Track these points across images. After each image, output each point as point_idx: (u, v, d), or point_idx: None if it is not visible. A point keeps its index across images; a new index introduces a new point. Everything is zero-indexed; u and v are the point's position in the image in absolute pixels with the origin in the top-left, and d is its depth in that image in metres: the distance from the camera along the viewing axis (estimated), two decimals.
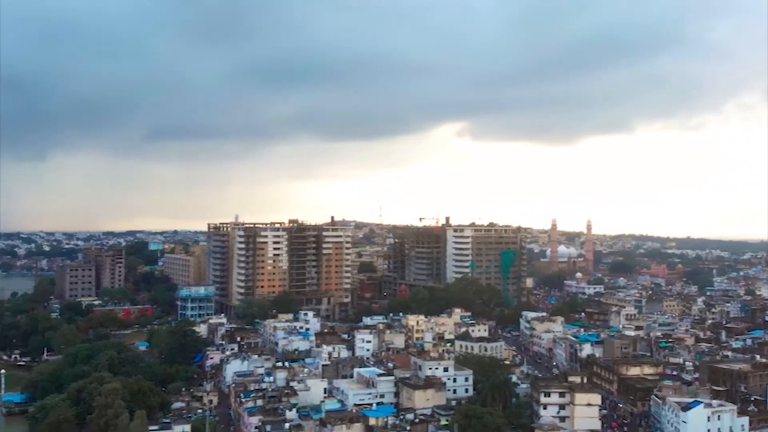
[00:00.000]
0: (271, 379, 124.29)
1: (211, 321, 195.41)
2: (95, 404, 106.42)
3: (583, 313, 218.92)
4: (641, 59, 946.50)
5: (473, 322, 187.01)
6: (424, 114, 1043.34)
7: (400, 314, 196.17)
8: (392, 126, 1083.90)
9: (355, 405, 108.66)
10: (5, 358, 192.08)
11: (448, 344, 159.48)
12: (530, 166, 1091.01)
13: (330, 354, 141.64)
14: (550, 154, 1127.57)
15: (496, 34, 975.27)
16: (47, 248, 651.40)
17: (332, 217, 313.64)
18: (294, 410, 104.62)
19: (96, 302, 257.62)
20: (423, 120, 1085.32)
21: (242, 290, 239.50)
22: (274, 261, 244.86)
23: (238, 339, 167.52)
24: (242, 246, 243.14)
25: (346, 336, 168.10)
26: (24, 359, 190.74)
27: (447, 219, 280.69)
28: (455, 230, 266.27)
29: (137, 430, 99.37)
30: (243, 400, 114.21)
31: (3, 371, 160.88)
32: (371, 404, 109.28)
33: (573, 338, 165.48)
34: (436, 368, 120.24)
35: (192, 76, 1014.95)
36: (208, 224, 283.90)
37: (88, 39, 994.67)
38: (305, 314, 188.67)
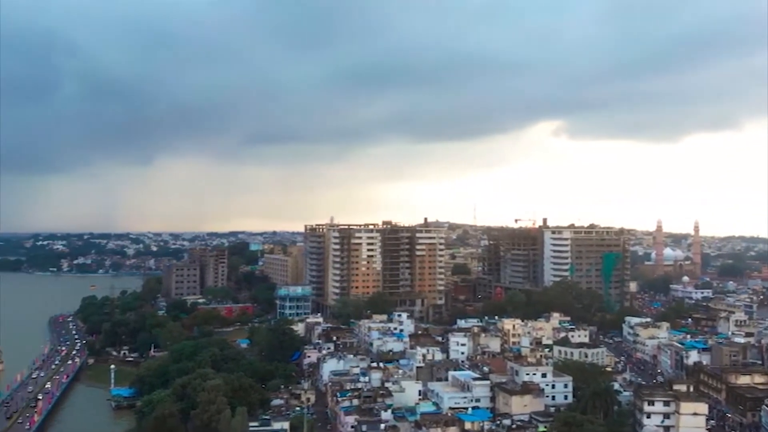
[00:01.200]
0: (366, 379, 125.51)
1: (308, 320, 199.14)
2: (199, 400, 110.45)
3: (689, 319, 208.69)
4: (746, 53, 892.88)
5: (573, 327, 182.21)
6: (519, 113, 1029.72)
7: (496, 318, 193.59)
8: (485, 125, 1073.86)
9: (451, 408, 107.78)
10: (115, 353, 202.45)
11: (546, 350, 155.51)
12: (632, 165, 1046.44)
13: (424, 356, 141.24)
14: (653, 152, 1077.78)
15: (592, 29, 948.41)
16: (155, 248, 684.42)
17: (425, 219, 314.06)
18: (389, 411, 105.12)
19: (200, 300, 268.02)
20: (517, 119, 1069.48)
21: (337, 290, 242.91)
22: (368, 262, 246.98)
23: (334, 338, 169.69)
24: (337, 247, 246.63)
25: (440, 338, 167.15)
26: (132, 355, 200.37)
27: (544, 220, 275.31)
28: (553, 232, 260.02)
29: (238, 426, 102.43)
30: (339, 399, 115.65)
31: (113, 366, 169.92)
32: (467, 408, 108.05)
33: (679, 345, 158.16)
34: (534, 374, 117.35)
35: (286, 82, 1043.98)
36: (305, 226, 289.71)
37: (188, 47, 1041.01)
38: (399, 315, 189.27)
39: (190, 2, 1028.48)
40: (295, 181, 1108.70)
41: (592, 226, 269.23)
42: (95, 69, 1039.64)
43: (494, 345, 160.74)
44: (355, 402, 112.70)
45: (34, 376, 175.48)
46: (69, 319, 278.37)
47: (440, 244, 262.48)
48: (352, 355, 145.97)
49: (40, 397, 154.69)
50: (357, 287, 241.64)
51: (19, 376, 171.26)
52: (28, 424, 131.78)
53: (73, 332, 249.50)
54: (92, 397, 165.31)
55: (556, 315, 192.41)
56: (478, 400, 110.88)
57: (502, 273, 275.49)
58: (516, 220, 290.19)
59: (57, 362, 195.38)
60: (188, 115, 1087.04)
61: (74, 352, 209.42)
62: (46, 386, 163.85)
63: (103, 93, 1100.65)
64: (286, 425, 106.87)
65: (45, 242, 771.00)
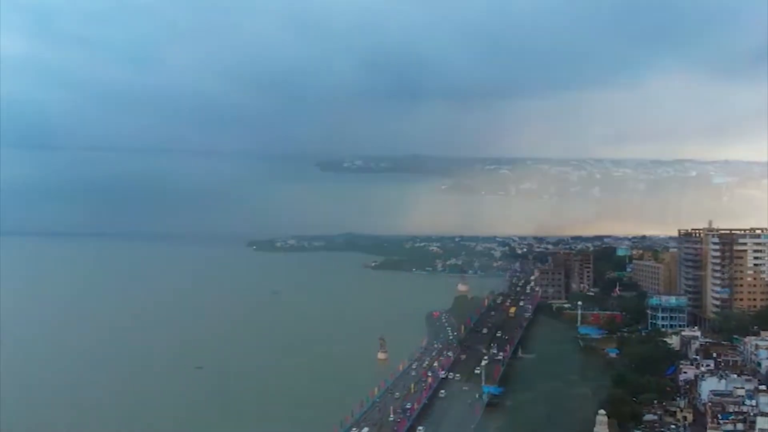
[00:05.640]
0: (753, 402, 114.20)
1: (683, 333, 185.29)
2: (567, 406, 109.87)
3: None
4: None
5: None
6: None
7: None
8: None
9: None
10: (484, 351, 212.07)
11: None
12: None
13: None
14: None
15: None
16: (519, 251, 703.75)
17: None
18: None
19: (565, 305, 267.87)
20: None
21: (718, 302, 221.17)
22: (755, 272, 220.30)
23: (714, 355, 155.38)
24: (717, 254, 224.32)
25: None
26: (501, 354, 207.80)
27: None
28: None
29: None
30: (721, 421, 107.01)
31: (483, 363, 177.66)
32: None
33: None
34: None
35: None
36: (678, 230, 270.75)
37: (530, 52, 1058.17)
38: None
39: (529, 9, 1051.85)
40: (661, 182, 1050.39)
41: None
42: (448, 81, 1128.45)
43: None
44: (740, 426, 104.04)
45: (413, 366, 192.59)
46: (443, 315, 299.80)
47: None
48: (735, 375, 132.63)
49: (430, 375, 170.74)
50: (742, 300, 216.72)
51: (401, 365, 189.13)
52: (408, 412, 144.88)
53: (447, 328, 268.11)
54: (463, 392, 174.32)
55: None
56: None
57: None
58: None
59: (433, 355, 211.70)
60: (535, 117, 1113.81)
61: (447, 347, 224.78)
62: (425, 377, 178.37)
63: (459, 103, 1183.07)
64: None
65: (422, 244, 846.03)
